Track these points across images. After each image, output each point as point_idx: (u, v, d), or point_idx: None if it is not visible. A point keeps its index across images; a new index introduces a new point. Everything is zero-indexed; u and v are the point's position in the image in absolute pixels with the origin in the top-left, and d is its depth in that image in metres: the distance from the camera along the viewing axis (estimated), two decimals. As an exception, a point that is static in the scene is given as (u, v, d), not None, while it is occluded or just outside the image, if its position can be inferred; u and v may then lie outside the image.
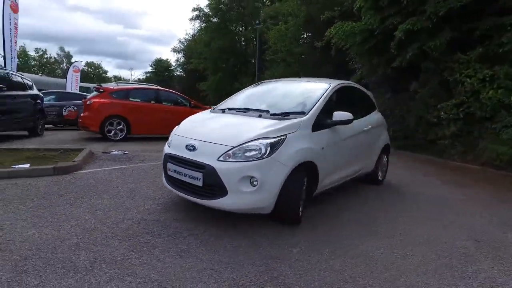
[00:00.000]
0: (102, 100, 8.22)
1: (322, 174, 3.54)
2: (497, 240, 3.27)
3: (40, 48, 55.20)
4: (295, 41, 18.64)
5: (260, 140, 3.04)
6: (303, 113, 3.50)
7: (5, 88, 6.99)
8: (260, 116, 3.57)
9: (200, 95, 36.62)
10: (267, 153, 2.97)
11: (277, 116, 3.49)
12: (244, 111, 3.81)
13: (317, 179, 3.52)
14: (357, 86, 4.90)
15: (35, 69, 50.99)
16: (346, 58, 12.20)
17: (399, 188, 5.17)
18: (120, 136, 8.25)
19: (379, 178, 5.19)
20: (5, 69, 8.28)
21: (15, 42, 11.41)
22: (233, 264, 2.52)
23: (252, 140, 3.05)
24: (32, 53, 52.49)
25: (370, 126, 4.55)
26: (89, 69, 62.69)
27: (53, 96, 11.92)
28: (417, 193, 4.88)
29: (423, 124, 8.81)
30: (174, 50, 50.31)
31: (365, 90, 5.09)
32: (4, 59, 10.56)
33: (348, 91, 4.47)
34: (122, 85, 9.66)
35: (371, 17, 9.39)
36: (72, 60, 59.39)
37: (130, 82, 13.97)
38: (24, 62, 49.40)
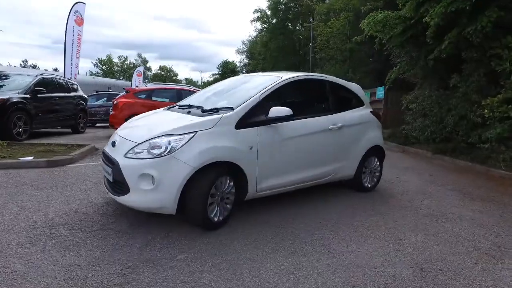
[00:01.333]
0: (126, 100, 8.88)
1: (253, 177, 3.23)
2: None
3: (122, 56, 62.36)
4: (345, 37, 17.58)
5: (163, 137, 2.91)
6: (231, 109, 3.24)
7: (45, 91, 8.04)
8: (189, 112, 3.43)
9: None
10: (166, 151, 2.83)
11: (205, 113, 3.30)
12: (187, 107, 3.70)
13: (246, 182, 3.22)
14: (330, 79, 4.31)
15: (118, 74, 57.73)
16: (385, 53, 11.01)
17: (391, 198, 4.44)
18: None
19: (366, 185, 4.54)
20: (52, 74, 9.53)
21: (78, 51, 13.00)
22: (103, 263, 2.44)
23: (156, 137, 2.94)
24: (116, 60, 59.71)
25: (340, 124, 3.99)
26: (162, 72, 68.72)
27: (104, 98, 13.32)
28: (411, 207, 4.12)
29: (465, 125, 7.46)
30: (238, 51, 52.03)
31: (345, 83, 4.47)
32: (64, 67, 12.16)
33: (311, 85, 4.01)
34: (153, 86, 10.30)
35: (407, 4, 8.32)
36: (148, 65, 65.94)
37: (164, 83, 14.74)
38: (110, 68, 56.38)
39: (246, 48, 48.49)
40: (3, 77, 8.55)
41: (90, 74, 47.19)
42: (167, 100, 9.37)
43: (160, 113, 3.82)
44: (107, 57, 56.90)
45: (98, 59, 56.23)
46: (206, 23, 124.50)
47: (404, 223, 3.51)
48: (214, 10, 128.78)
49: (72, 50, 12.50)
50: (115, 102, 8.95)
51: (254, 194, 3.36)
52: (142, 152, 2.88)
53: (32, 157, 5.48)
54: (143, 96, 9.08)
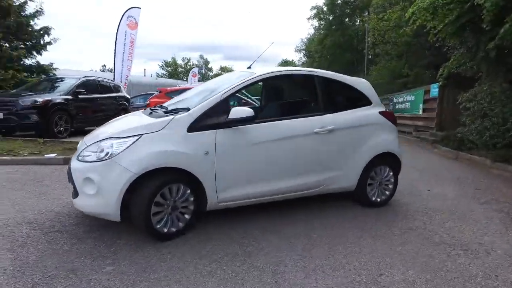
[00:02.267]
0: (158, 99, 9.14)
1: (210, 186, 2.90)
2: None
3: (185, 57, 65.75)
4: (401, 30, 15.92)
5: (107, 140, 2.75)
6: (187, 109, 2.95)
7: (85, 92, 8.68)
8: (150, 113, 3.23)
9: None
10: (108, 155, 2.65)
11: (165, 114, 3.06)
12: (159, 108, 3.49)
13: (204, 191, 2.90)
14: (321, 74, 3.66)
15: (181, 75, 61.20)
16: (436, 44, 9.53)
17: (402, 216, 3.69)
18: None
19: (373, 199, 3.84)
20: (95, 77, 10.26)
21: (130, 53, 13.86)
22: (29, 269, 2.35)
23: (101, 140, 2.79)
24: (180, 62, 63.41)
25: (330, 127, 3.40)
26: (222, 72, 71.09)
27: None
28: (423, 230, 3.37)
29: (533, 128, 6.01)
30: (296, 49, 51.18)
31: (343, 79, 3.77)
32: (114, 69, 13.10)
33: (295, 81, 3.51)
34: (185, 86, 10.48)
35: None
36: (209, 66, 68.63)
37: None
38: (174, 70, 60.05)
39: (304, 46, 47.49)
40: (59, 80, 9.49)
41: (158, 76, 50.98)
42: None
43: (133, 115, 3.70)
44: (171, 59, 60.78)
45: (164, 61, 60.41)
46: (267, 22, 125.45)
47: (399, 252, 2.82)
48: (275, 7, 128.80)
49: (123, 52, 13.37)
50: (148, 102, 9.30)
51: (216, 205, 3.01)
52: (90, 155, 2.75)
53: (55, 154, 5.87)
54: (173, 96, 9.24)
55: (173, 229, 2.85)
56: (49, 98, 7.76)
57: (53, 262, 2.45)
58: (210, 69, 69.01)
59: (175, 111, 3.03)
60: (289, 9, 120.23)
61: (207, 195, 2.92)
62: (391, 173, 3.92)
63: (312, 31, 39.90)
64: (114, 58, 12.88)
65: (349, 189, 3.74)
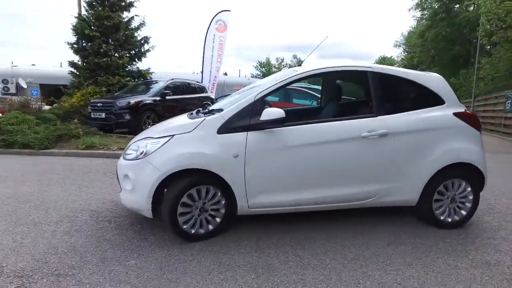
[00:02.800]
0: (234, 100, 9.48)
1: (240, 190, 2.79)
2: None
3: (279, 58, 66.72)
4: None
5: (143, 140, 2.90)
6: (220, 111, 2.90)
7: (171, 93, 9.56)
8: (191, 114, 3.28)
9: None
10: (143, 154, 2.80)
11: (199, 115, 3.08)
12: (199, 110, 3.53)
13: (233, 194, 2.81)
14: (378, 69, 3.14)
15: (275, 75, 62.56)
16: None
17: (468, 243, 2.95)
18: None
19: (442, 218, 3.17)
20: (182, 79, 11.15)
21: (219, 55, 14.69)
22: (65, 252, 2.64)
23: (140, 139, 2.96)
24: (274, 62, 64.82)
25: (382, 131, 2.90)
26: (314, 71, 69.79)
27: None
28: (495, 264, 2.64)
29: None
30: (395, 45, 46.81)
31: (406, 74, 3.13)
32: (202, 70, 14.07)
33: (344, 78, 3.11)
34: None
35: None
36: (302, 65, 68.29)
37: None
38: (268, 70, 61.78)
39: (404, 40, 43.14)
40: (152, 83, 10.72)
41: (252, 76, 53.29)
42: (276, 99, 9.36)
43: (181, 116, 3.83)
44: (266, 59, 62.65)
45: (259, 62, 62.73)
46: (366, 17, 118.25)
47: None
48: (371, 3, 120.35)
49: (212, 55, 14.27)
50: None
51: (247, 210, 2.89)
52: (131, 153, 2.95)
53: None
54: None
55: (201, 231, 2.85)
56: (140, 99, 8.81)
57: (93, 248, 2.71)
58: (304, 68, 68.78)
59: (212, 112, 3.03)
60: (389, 1, 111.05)
61: (236, 199, 2.83)
62: (469, 189, 3.16)
63: (414, 23, 35.89)
64: (203, 60, 13.85)
65: (409, 204, 3.17)
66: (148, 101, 8.90)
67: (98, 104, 8.55)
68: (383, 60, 57.92)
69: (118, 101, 8.45)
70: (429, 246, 2.84)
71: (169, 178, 2.71)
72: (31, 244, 2.77)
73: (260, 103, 2.86)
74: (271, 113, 2.70)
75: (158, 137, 2.83)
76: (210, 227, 2.89)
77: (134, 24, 11.77)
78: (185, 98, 10.23)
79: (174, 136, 2.79)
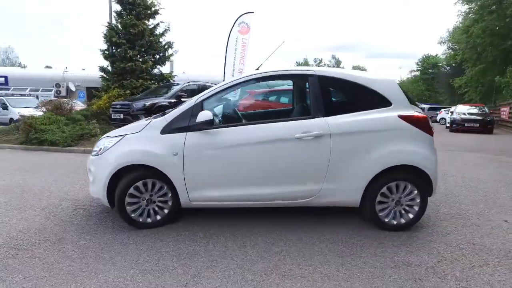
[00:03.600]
0: (245, 101, 9.77)
1: (180, 185, 3.09)
2: None
3: (317, 58, 65.73)
4: None
5: (104, 139, 3.32)
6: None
7: (186, 95, 10.11)
8: (155, 117, 3.64)
9: (457, 93, 30.52)
10: (101, 150, 3.20)
11: (152, 118, 3.44)
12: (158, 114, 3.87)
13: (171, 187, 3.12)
14: (321, 72, 3.24)
15: (311, 76, 61.90)
16: None
17: (427, 252, 2.94)
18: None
19: (387, 220, 3.19)
20: (198, 82, 11.67)
21: (242, 57, 15.08)
22: (56, 228, 3.13)
23: (103, 138, 3.37)
24: (311, 62, 64.07)
25: (316, 132, 3.00)
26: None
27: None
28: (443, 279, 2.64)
29: None
30: (440, 41, 43.84)
31: (352, 77, 3.21)
32: (224, 72, 14.53)
33: (286, 82, 3.22)
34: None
35: None
36: (341, 65, 66.57)
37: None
38: (304, 71, 61.37)
39: (449, 37, 40.27)
40: (172, 86, 11.39)
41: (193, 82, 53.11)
42: (286, 100, 9.49)
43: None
44: (303, 60, 62.30)
45: (296, 63, 62.49)
46: (412, 15, 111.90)
47: None
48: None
49: (234, 57, 14.70)
50: (236, 104, 10.04)
51: (189, 203, 3.17)
52: (95, 150, 3.38)
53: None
54: (260, 98, 9.70)
55: (149, 220, 3.19)
56: (156, 101, 9.46)
57: (57, 230, 3.17)
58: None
59: (163, 114, 3.36)
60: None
61: (178, 193, 3.12)
62: (416, 192, 3.14)
63: (459, 19, 33.42)
64: (225, 62, 14.33)
65: (351, 205, 3.22)
66: (163, 103, 9.52)
67: (117, 106, 9.35)
68: (427, 59, 54.49)
69: (135, 103, 9.17)
70: (361, 246, 2.90)
71: (120, 172, 3.08)
72: (13, 225, 3.30)
73: (199, 107, 3.12)
74: (202, 115, 2.96)
75: (114, 136, 3.23)
76: (158, 217, 3.22)
77: (159, 30, 12.56)
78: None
79: (125, 135, 3.16)
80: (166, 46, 12.57)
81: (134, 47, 11.69)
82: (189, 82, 10.78)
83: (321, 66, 63.57)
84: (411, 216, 3.19)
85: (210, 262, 2.60)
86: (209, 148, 3.06)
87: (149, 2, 12.04)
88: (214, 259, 2.64)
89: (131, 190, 3.09)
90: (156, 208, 3.21)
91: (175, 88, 10.33)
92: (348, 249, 2.84)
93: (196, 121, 3.01)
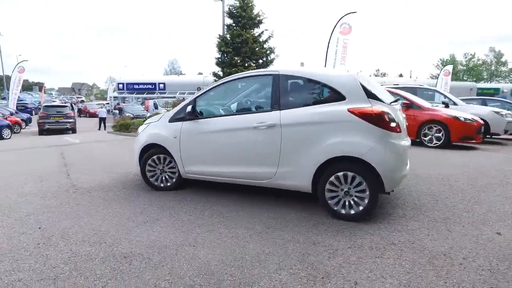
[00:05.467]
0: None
1: (178, 160, 4.17)
2: None
3: (468, 53, 54.53)
4: None
5: (143, 125, 4.73)
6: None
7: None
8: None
9: None
10: (138, 133, 4.65)
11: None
12: None
13: (175, 161, 4.24)
14: (284, 72, 3.66)
15: (461, 74, 52.07)
16: None
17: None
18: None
19: (335, 208, 3.38)
20: None
21: (342, 58, 15.02)
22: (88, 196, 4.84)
23: (143, 124, 4.81)
24: (460, 58, 54.04)
25: (270, 122, 3.51)
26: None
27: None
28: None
29: None
30: None
31: (311, 75, 3.55)
32: None
33: (256, 82, 3.85)
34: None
35: None
36: (503, 59, 53.25)
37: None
38: (454, 68, 52.29)
39: None
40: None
41: (431, 77, 46.90)
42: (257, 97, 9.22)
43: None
44: (450, 56, 53.29)
45: (440, 60, 53.99)
46: None
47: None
48: None
49: (335, 59, 14.84)
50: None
51: (185, 174, 4.22)
52: (138, 132, 4.85)
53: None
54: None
55: (161, 185, 4.42)
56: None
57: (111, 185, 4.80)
58: (504, 63, 53.65)
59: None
60: None
61: (178, 167, 4.23)
62: (365, 184, 3.23)
63: None
64: (325, 64, 14.65)
65: (304, 190, 3.55)
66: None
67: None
68: None
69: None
70: (293, 225, 3.28)
71: (145, 147, 4.43)
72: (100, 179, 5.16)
73: (193, 103, 4.08)
74: (188, 109, 3.95)
75: (146, 124, 4.60)
76: (169, 183, 4.41)
77: (264, 37, 14.08)
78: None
79: (151, 123, 4.48)
80: (268, 52, 13.95)
81: (239, 54, 13.57)
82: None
83: (474, 61, 52.62)
84: (361, 208, 3.29)
85: (186, 223, 3.58)
86: (196, 133, 4.03)
87: (255, 13, 13.68)
88: (189, 223, 3.61)
89: (150, 161, 4.39)
90: (167, 177, 4.41)
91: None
92: (278, 224, 3.29)
93: (186, 112, 4.03)
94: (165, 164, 4.38)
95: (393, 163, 3.21)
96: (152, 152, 4.38)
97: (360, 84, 3.36)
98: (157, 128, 4.38)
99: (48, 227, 3.34)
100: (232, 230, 3.20)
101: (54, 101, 33.04)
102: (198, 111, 4.04)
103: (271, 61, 14.21)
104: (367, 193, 3.23)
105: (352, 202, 3.33)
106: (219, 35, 14.18)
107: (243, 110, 4.13)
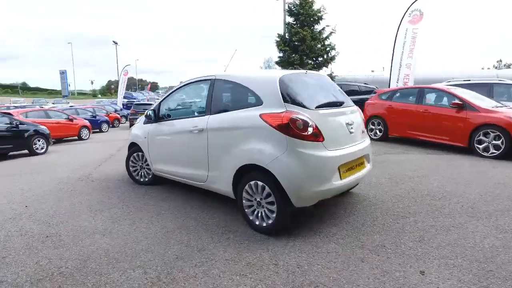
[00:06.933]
0: (371, 101, 9.10)
1: (148, 157, 4.62)
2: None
3: None
4: None
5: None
6: (150, 110, 4.77)
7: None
8: None
9: None
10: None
11: None
12: None
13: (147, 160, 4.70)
14: (220, 77, 3.67)
15: None
16: None
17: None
18: (378, 136, 8.70)
19: (251, 217, 3.25)
20: (345, 81, 11.51)
21: (410, 50, 13.11)
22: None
23: (136, 123, 5.41)
24: None
25: (200, 127, 3.59)
26: None
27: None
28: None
29: None
30: None
31: (240, 79, 3.42)
32: (391, 69, 13.07)
33: (199, 87, 3.92)
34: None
35: None
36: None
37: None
38: None
39: None
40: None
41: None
42: (410, 100, 8.07)
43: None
44: None
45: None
46: None
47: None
48: None
49: (402, 52, 13.11)
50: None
51: (155, 171, 4.62)
52: None
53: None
54: (384, 97, 8.73)
55: (141, 180, 4.94)
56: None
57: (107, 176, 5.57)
58: None
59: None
60: None
61: (149, 163, 4.66)
62: (272, 196, 3.03)
63: None
64: (392, 58, 13.11)
65: (229, 195, 3.50)
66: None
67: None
68: None
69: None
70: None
71: (130, 145, 5.01)
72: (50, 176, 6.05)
73: (158, 107, 4.42)
74: (151, 112, 4.31)
75: (136, 124, 5.17)
76: (146, 179, 4.90)
77: (325, 34, 13.51)
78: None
79: (135, 124, 5.03)
80: (327, 49, 13.34)
81: (297, 52, 13.35)
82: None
83: None
84: (270, 222, 3.09)
85: (158, 215, 4.03)
86: (157, 135, 4.38)
87: (315, 9, 13.23)
88: (159, 216, 4.04)
89: (132, 158, 4.96)
90: (145, 173, 4.90)
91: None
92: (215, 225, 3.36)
93: (151, 115, 4.41)
94: (143, 161, 4.87)
95: (299, 176, 2.89)
96: (133, 150, 4.93)
97: (280, 87, 3.14)
98: (137, 128, 4.90)
99: (32, 206, 4.21)
100: (159, 223, 3.46)
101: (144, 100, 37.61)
102: (162, 114, 4.37)
103: (332, 59, 13.49)
104: (275, 206, 3.02)
105: (263, 214, 3.16)
106: (278, 34, 14.22)
107: (187, 114, 4.28)
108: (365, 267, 2.54)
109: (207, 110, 3.69)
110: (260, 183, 3.10)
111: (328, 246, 2.89)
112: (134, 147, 4.92)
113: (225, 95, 3.69)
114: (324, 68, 13.71)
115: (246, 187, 3.23)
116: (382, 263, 2.59)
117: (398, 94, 8.58)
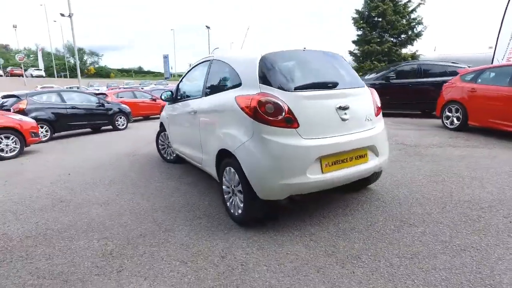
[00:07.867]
0: (449, 84, 7.56)
1: (169, 137, 4.82)
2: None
3: None
4: None
5: None
6: (176, 91, 4.92)
7: (394, 77, 9.29)
8: None
9: None
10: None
11: None
12: None
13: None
14: (218, 58, 3.45)
15: None
16: None
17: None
18: (455, 125, 7.25)
19: (227, 204, 3.11)
20: (430, 61, 9.61)
21: None
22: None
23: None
24: None
25: (196, 109, 3.57)
26: None
27: None
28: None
29: None
30: None
31: (229, 60, 3.18)
32: (495, 47, 10.41)
33: (214, 67, 3.78)
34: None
35: None
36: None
37: None
38: None
39: None
40: (394, 66, 10.67)
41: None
42: (502, 82, 6.33)
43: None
44: None
45: None
46: None
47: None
48: None
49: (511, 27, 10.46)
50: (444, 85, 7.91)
51: (174, 150, 4.81)
52: None
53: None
54: (468, 78, 7.09)
55: (168, 158, 5.22)
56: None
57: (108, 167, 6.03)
58: None
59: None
60: None
61: (170, 142, 4.87)
62: (238, 179, 2.82)
63: None
64: (497, 36, 10.55)
65: (216, 179, 3.39)
66: (370, 83, 9.53)
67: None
68: None
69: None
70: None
71: (160, 124, 5.30)
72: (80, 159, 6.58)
73: (177, 88, 4.51)
74: (169, 94, 4.43)
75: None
76: (172, 157, 5.16)
77: (412, 6, 11.71)
78: (414, 82, 9.40)
79: (165, 105, 5.28)
80: (412, 24, 11.55)
81: (375, 29, 11.93)
82: (407, 62, 9.70)
83: None
84: (239, 211, 2.90)
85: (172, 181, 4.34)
86: (172, 116, 4.52)
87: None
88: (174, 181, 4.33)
89: (160, 137, 5.27)
90: (170, 151, 5.15)
91: (388, 70, 9.80)
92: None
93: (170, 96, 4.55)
94: (168, 140, 5.12)
95: (262, 165, 2.58)
96: (161, 129, 5.22)
97: (260, 67, 2.82)
98: (165, 108, 5.14)
99: (73, 174, 4.89)
100: (152, 200, 3.64)
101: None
102: (178, 95, 4.46)
103: (418, 35, 11.54)
104: (242, 195, 2.80)
105: (236, 203, 2.97)
106: (356, 10, 12.82)
107: (191, 95, 4.20)
108: (314, 279, 2.16)
109: (203, 92, 3.61)
110: (232, 169, 2.91)
111: (293, 248, 2.55)
112: (162, 127, 5.20)
113: (217, 76, 3.52)
114: (409, 46, 11.91)
115: (225, 172, 3.07)
116: (339, 277, 2.16)
117: (486, 74, 6.89)
